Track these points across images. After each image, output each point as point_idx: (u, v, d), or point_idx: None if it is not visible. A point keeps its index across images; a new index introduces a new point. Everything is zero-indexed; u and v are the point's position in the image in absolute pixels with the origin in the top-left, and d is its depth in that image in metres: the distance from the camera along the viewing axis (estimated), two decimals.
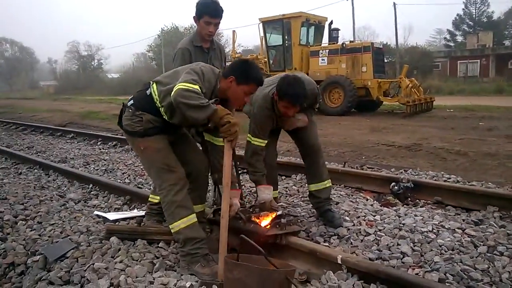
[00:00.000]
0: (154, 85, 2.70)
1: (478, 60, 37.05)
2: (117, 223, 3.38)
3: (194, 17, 3.39)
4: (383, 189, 4.33)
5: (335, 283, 2.34)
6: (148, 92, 2.69)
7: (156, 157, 2.67)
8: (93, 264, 2.50)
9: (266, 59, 15.96)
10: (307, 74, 14.74)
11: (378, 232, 3.10)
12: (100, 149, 7.98)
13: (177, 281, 2.41)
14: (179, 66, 3.29)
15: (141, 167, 5.99)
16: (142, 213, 3.66)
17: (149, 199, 3.38)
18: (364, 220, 3.35)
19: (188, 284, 2.34)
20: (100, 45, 65.78)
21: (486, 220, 3.38)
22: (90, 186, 4.73)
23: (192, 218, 2.66)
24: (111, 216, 3.53)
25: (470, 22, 52.40)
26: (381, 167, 5.83)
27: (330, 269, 2.45)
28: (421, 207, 3.84)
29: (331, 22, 15.25)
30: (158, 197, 3.31)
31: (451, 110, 15.04)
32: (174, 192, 2.62)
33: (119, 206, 4.02)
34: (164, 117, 2.67)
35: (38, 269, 2.62)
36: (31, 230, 3.26)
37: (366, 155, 7.47)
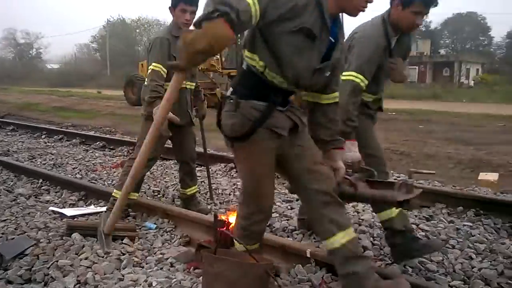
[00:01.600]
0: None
1: (417, 67, 39.28)
2: (75, 219, 3.24)
3: (169, 7, 3.30)
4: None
5: (305, 276, 2.41)
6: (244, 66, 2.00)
7: None
8: (56, 261, 2.39)
9: (218, 57, 15.90)
10: None
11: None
12: (45, 143, 7.58)
13: (147, 277, 2.37)
14: (154, 55, 3.23)
15: (93, 162, 5.79)
16: (100, 209, 3.55)
17: (113, 194, 3.28)
18: None
19: (155, 283, 2.30)
20: (39, 33, 61.84)
21: (435, 216, 3.62)
22: (40, 181, 4.48)
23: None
24: (69, 212, 3.38)
25: None
26: None
27: (299, 262, 2.52)
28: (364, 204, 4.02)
29: None
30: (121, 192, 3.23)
31: (393, 113, 15.82)
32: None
33: (74, 202, 3.85)
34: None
35: None
36: None
37: None
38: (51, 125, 10.09)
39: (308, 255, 2.53)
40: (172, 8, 3.29)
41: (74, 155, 6.21)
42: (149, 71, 3.25)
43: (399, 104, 18.71)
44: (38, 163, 5.77)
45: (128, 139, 8.12)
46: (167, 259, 2.74)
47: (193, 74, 3.56)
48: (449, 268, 2.64)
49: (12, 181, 4.62)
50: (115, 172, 5.12)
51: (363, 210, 3.60)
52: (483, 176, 5.19)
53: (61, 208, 3.60)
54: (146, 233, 3.11)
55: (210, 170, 4.40)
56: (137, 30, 52.22)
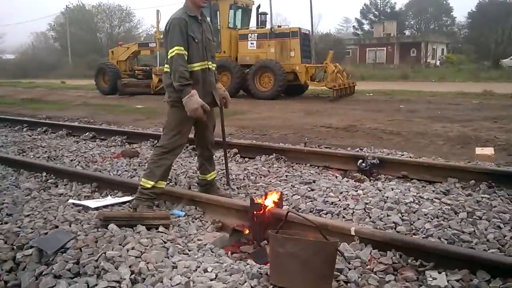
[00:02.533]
0: None
1: (385, 48, 40.01)
2: (110, 210, 3.16)
3: None
4: (348, 166, 4.56)
5: (352, 253, 2.45)
6: None
7: None
8: (104, 253, 2.32)
9: None
10: (236, 58, 14.89)
11: (367, 205, 3.28)
12: (30, 136, 7.28)
13: (198, 263, 2.35)
14: (176, 38, 3.14)
15: (90, 153, 5.62)
16: (123, 199, 3.47)
17: (141, 183, 3.21)
18: (349, 195, 3.52)
19: (210, 268, 2.29)
20: None
21: (452, 190, 3.74)
22: (44, 175, 4.32)
23: None
24: (91, 204, 3.28)
25: (376, 12, 56.12)
26: (331, 147, 6.09)
27: (344, 241, 2.55)
28: (389, 181, 4.12)
29: (259, 6, 15.37)
30: (151, 182, 3.17)
31: (371, 94, 16.11)
32: None
33: (89, 194, 3.74)
34: None
35: (34, 264, 2.37)
36: (2, 224, 2.92)
37: (308, 136, 7.75)
38: (32, 118, 9.67)
39: (353, 233, 2.57)
40: None
41: (67, 147, 6.00)
42: (171, 54, 3.14)
43: (372, 85, 19.05)
44: (32, 156, 5.55)
45: (116, 128, 7.95)
46: (205, 245, 2.73)
47: (212, 55, 3.50)
48: (482, 238, 2.75)
49: (12, 176, 4.43)
50: (117, 162, 4.99)
51: (384, 188, 3.67)
52: (479, 151, 5.37)
53: (78, 200, 3.49)
54: (178, 221, 3.06)
55: (214, 156, 4.38)
56: (98, 16, 50.45)
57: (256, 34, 14.50)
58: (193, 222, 3.09)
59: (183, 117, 3.23)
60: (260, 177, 4.32)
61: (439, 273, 2.21)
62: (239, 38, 14.81)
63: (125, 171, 4.62)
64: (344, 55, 38.65)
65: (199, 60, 3.30)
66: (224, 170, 4.07)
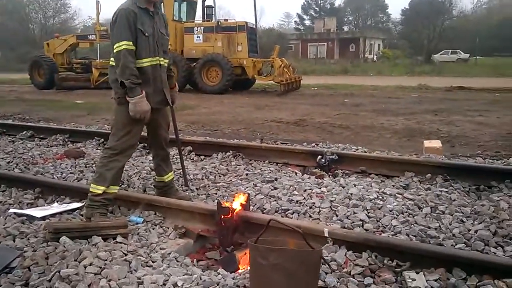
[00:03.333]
0: None
1: (325, 43, 41.02)
2: (57, 221, 2.84)
3: None
4: (307, 162, 4.51)
5: (327, 256, 2.37)
6: None
7: None
8: (58, 271, 2.06)
9: None
10: (182, 51, 14.48)
11: (333, 203, 3.22)
12: None
13: (166, 276, 2.15)
14: (123, 31, 2.87)
15: (29, 154, 5.14)
16: (71, 206, 3.16)
17: (91, 189, 2.92)
18: (313, 193, 3.45)
19: (180, 282, 2.11)
20: None
21: (411, 184, 3.80)
22: None
23: None
24: (36, 213, 2.94)
25: (316, 8, 57.38)
26: (288, 142, 6.03)
27: (317, 243, 2.46)
28: (349, 176, 4.11)
29: None
30: (101, 187, 2.90)
31: (315, 89, 16.38)
32: None
33: (32, 201, 3.37)
34: None
35: None
36: None
37: (260, 131, 7.67)
38: None
39: (326, 235, 2.49)
40: None
41: (1, 148, 5.45)
42: (118, 49, 2.88)
43: (315, 80, 19.40)
44: None
45: (56, 125, 7.37)
46: (169, 253, 2.53)
47: (164, 50, 3.25)
48: (448, 233, 2.78)
49: None
50: (61, 164, 4.59)
51: (347, 184, 3.65)
52: (428, 144, 5.54)
53: (20, 209, 3.13)
54: (137, 229, 2.83)
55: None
56: (30, 7, 47.22)
57: (202, 28, 14.19)
58: (153, 229, 2.87)
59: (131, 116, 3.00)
60: (219, 176, 4.15)
61: (417, 273, 2.18)
62: (184, 31, 14.42)
63: (71, 173, 4.25)
64: (287, 50, 39.13)
65: (149, 55, 3.04)
66: (181, 170, 3.86)
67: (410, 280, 2.11)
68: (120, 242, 2.56)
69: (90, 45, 16.92)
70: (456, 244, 2.63)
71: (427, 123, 8.08)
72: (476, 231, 2.76)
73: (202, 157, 5.00)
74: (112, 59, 3.03)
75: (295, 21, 59.35)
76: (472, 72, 26.47)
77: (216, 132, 7.65)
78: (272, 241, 1.99)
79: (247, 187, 3.73)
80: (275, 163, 4.59)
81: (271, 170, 4.32)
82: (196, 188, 3.82)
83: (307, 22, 57.26)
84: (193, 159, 4.95)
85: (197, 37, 14.25)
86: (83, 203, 3.17)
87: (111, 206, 3.10)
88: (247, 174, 4.15)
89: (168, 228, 2.91)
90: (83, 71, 16.17)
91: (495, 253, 2.53)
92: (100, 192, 2.92)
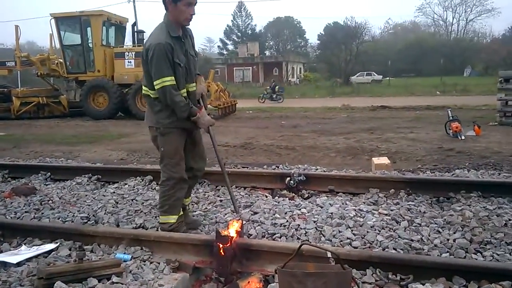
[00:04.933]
0: None
1: (250, 67, 42.07)
2: (49, 265, 2.57)
3: (167, 1, 2.92)
4: (275, 185, 4.57)
5: None
6: None
7: None
8: None
9: (61, 60, 14.26)
10: (112, 77, 14.00)
11: (317, 224, 3.30)
12: None
13: None
14: (163, 67, 2.89)
15: None
16: (46, 247, 2.89)
17: (162, 221, 3.18)
18: (295, 215, 3.50)
19: None
20: None
21: (379, 200, 4.00)
22: None
23: None
24: (10, 258, 2.64)
25: (238, 33, 58.83)
26: (248, 166, 6.03)
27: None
28: (317, 197, 4.22)
29: (135, 24, 14.78)
30: (175, 216, 3.16)
31: (250, 112, 16.68)
32: None
33: None
34: None
35: None
36: None
37: (209, 156, 7.59)
38: None
39: (329, 255, 2.53)
40: (171, 2, 2.90)
41: None
42: (162, 85, 2.91)
43: (245, 103, 19.74)
44: None
45: None
46: None
47: (195, 73, 3.27)
48: (430, 244, 2.97)
49: None
50: (12, 202, 4.18)
51: (324, 204, 3.74)
52: (376, 161, 5.87)
53: None
54: (128, 266, 2.66)
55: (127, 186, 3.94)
56: None
57: (133, 52, 13.85)
58: (144, 265, 2.72)
59: (179, 141, 3.13)
60: (192, 205, 4.05)
61: (423, 284, 2.31)
62: (115, 57, 13.98)
63: (26, 212, 3.89)
64: (213, 74, 39.43)
65: (184, 85, 3.07)
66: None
67: None
68: (117, 283, 2.39)
69: (8, 73, 15.65)
70: (441, 254, 2.83)
71: (365, 141, 8.58)
72: (454, 240, 2.98)
73: None
74: (146, 88, 3.09)
75: (218, 46, 60.35)
76: (387, 92, 28.71)
77: None
78: (294, 266, 1.99)
79: (225, 214, 3.68)
80: (242, 188, 4.58)
81: (242, 195, 4.31)
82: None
83: (230, 47, 58.44)
84: (154, 188, 4.76)
85: (129, 62, 13.89)
86: (57, 244, 2.94)
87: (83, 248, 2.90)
88: (221, 201, 4.09)
89: (159, 263, 2.77)
90: (0, 101, 14.91)
91: (476, 259, 2.75)
92: (174, 221, 3.13)
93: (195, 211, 3.82)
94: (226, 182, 3.43)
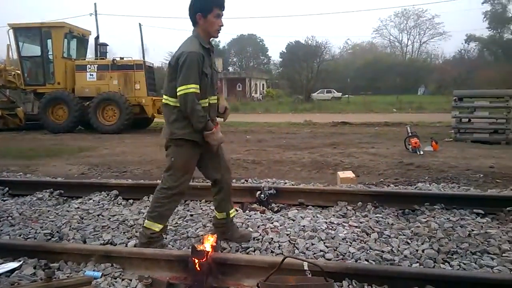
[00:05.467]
0: None
1: None
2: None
3: (198, 14, 2.96)
4: (246, 198, 4.56)
5: None
6: None
7: None
8: None
9: (18, 71, 13.74)
10: (73, 90, 13.61)
11: (290, 237, 3.31)
12: None
13: None
14: (192, 75, 2.89)
15: None
16: (7, 266, 2.74)
17: (147, 226, 3.09)
18: (267, 228, 3.51)
19: None
20: None
21: (348, 213, 4.08)
22: None
23: None
24: None
25: None
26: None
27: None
28: (288, 210, 4.25)
29: (98, 37, 14.51)
30: (160, 225, 3.11)
31: None
32: None
33: None
34: None
35: None
36: None
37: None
38: None
39: (306, 268, 2.55)
40: (201, 15, 2.95)
41: None
42: (186, 91, 2.87)
43: None
44: None
45: None
46: None
47: (216, 87, 3.27)
48: (400, 255, 3.06)
49: None
50: None
51: (295, 217, 3.77)
52: (342, 175, 6.00)
53: None
54: (99, 284, 2.56)
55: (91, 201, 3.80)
56: None
57: (96, 65, 13.55)
58: (116, 282, 2.63)
59: (190, 156, 3.09)
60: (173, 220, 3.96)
61: None
62: (76, 69, 13.62)
63: None
64: None
65: (206, 96, 3.04)
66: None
67: None
68: None
69: None
70: (411, 264, 2.91)
71: (329, 155, 8.74)
72: (423, 250, 3.08)
73: (131, 201, 4.72)
74: (166, 96, 3.05)
75: None
76: (346, 108, 29.50)
77: (125, 174, 7.27)
78: (275, 279, 1.99)
79: (197, 229, 3.63)
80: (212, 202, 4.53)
81: (212, 209, 4.26)
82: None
83: None
84: (121, 203, 4.63)
85: (90, 75, 13.56)
86: (21, 262, 2.80)
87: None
88: (191, 215, 4.03)
89: (131, 280, 2.68)
90: None
91: (444, 268, 2.85)
92: (158, 230, 3.08)
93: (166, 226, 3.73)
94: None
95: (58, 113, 13.22)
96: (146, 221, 3.11)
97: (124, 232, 3.59)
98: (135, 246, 3.20)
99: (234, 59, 60.75)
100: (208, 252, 2.64)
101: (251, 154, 9.10)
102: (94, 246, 3.04)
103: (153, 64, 14.91)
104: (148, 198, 4.66)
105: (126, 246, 3.29)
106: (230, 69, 54.93)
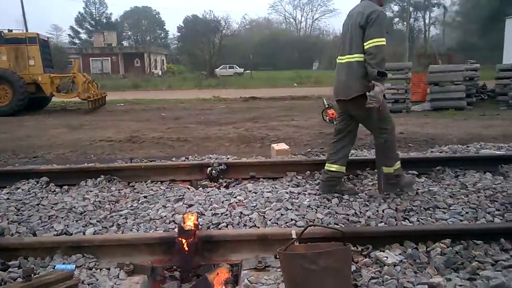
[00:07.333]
0: None
1: (109, 58, 39.49)
2: None
3: None
4: (195, 176, 4.43)
5: None
6: None
7: None
8: None
9: None
10: None
11: (259, 209, 3.33)
12: None
13: None
14: (383, 30, 3.34)
15: None
16: None
17: (386, 171, 3.55)
18: (232, 203, 3.47)
19: None
20: None
21: (301, 182, 4.20)
22: None
23: None
24: None
25: (92, 21, 54.57)
26: (157, 159, 5.66)
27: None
28: (239, 184, 4.24)
29: None
30: (397, 164, 3.61)
31: (122, 104, 15.72)
32: None
33: None
34: None
35: None
36: None
37: (93, 152, 7.03)
38: None
39: (294, 236, 2.59)
40: None
41: None
42: (381, 43, 3.29)
43: (111, 96, 18.59)
44: None
45: None
46: None
47: None
48: (364, 216, 3.25)
49: None
50: None
51: (255, 189, 3.78)
52: (276, 147, 6.13)
53: None
54: (78, 276, 2.31)
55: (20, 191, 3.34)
56: None
57: None
58: (95, 273, 2.40)
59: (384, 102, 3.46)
60: (113, 204, 3.68)
61: (383, 252, 2.53)
62: None
63: None
64: (66, 64, 36.01)
65: None
66: None
67: (385, 258, 2.43)
68: None
69: None
70: (376, 224, 3.12)
71: (254, 129, 8.86)
72: (383, 211, 3.31)
73: (65, 187, 4.28)
74: (357, 54, 3.42)
75: (69, 35, 54.98)
76: (250, 84, 29.95)
77: (37, 159, 6.61)
78: (287, 249, 2.00)
79: (158, 210, 3.44)
80: (159, 182, 4.33)
81: (162, 189, 4.07)
82: (97, 221, 3.30)
83: (83, 36, 53.95)
84: (55, 191, 4.18)
85: None
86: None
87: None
88: (145, 197, 3.80)
89: (109, 268, 2.48)
90: None
91: (405, 225, 3.11)
92: (396, 168, 3.60)
93: (122, 210, 3.48)
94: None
95: None
96: (386, 168, 3.56)
97: (76, 221, 3.26)
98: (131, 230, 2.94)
99: (129, 33, 57.48)
100: (195, 231, 2.54)
101: (174, 132, 8.83)
102: (58, 238, 2.72)
103: (48, 38, 13.44)
104: (86, 182, 4.28)
105: (84, 234, 3.01)
106: (125, 43, 51.91)
